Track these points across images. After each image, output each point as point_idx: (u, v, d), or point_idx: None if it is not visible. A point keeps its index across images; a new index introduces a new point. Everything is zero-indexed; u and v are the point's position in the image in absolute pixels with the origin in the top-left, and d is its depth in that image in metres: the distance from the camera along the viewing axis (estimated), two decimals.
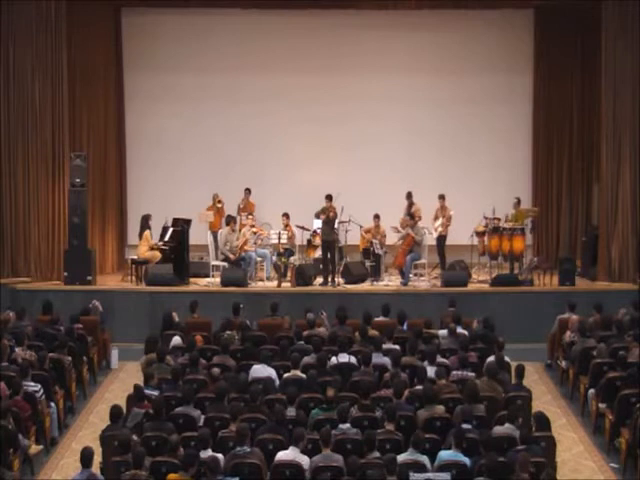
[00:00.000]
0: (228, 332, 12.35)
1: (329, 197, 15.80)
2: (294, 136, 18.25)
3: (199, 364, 10.86)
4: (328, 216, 15.71)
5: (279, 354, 11.46)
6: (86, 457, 8.32)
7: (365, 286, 16.19)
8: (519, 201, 16.82)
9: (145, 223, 16.31)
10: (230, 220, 16.35)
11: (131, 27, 18.20)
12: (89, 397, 12.69)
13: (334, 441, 8.68)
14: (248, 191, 17.81)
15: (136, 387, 10.02)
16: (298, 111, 18.18)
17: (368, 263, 16.54)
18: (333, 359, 11.19)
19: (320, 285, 15.89)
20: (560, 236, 18.25)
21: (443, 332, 12.48)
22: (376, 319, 13.04)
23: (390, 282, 16.27)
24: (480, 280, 16.43)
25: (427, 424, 9.24)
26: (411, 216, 16.27)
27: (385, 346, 11.48)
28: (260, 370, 10.74)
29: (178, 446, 8.44)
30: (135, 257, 16.29)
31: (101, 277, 16.62)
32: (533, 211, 17.24)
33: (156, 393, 10.02)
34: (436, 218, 16.88)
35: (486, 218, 16.41)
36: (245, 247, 16.25)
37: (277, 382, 10.66)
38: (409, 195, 17.05)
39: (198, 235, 16.73)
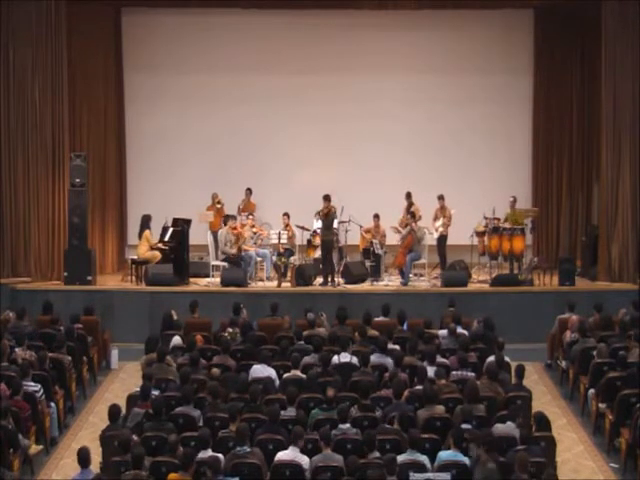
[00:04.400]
0: (229, 330, 12.36)
1: (326, 197, 15.79)
2: (294, 136, 18.25)
3: (199, 364, 10.86)
4: (325, 215, 15.71)
5: (279, 354, 11.47)
6: (83, 457, 8.33)
7: (365, 286, 16.19)
8: (515, 200, 16.81)
9: (145, 223, 16.30)
10: (228, 219, 16.37)
11: (131, 27, 18.20)
12: (89, 397, 12.68)
13: (334, 441, 8.68)
14: (249, 191, 17.82)
15: (143, 387, 9.99)
16: (298, 111, 18.19)
17: (368, 263, 16.55)
18: (335, 358, 11.20)
19: (320, 285, 15.89)
20: (560, 236, 18.24)
21: (443, 332, 12.48)
22: (376, 319, 13.03)
23: (390, 282, 16.26)
24: (480, 280, 16.42)
25: (427, 424, 9.24)
26: (412, 215, 16.28)
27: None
28: (260, 370, 10.74)
29: (177, 446, 8.44)
30: (135, 257, 16.29)
31: (101, 277, 16.61)
32: (533, 211, 17.25)
33: (156, 393, 10.02)
34: (436, 218, 16.88)
35: (486, 218, 16.42)
36: (245, 247, 16.27)
37: (277, 382, 10.67)
38: (408, 195, 17.05)
39: (198, 235, 16.73)
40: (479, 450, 8.27)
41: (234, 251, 16.04)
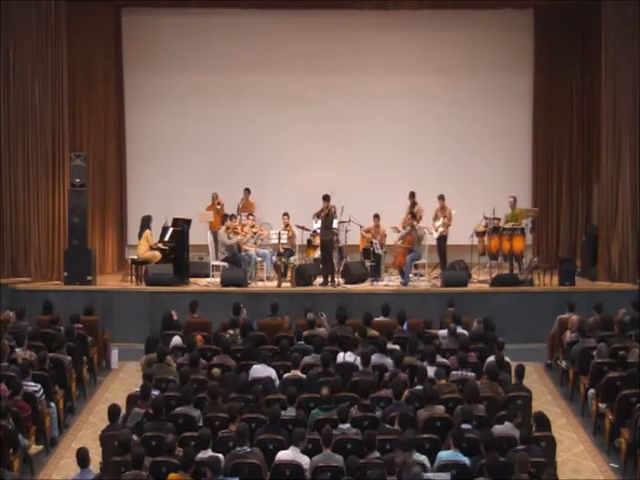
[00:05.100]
0: (230, 332, 12.36)
1: (326, 197, 15.80)
2: (294, 136, 18.26)
3: (199, 364, 10.86)
4: (326, 215, 15.72)
5: (279, 354, 11.47)
6: (82, 457, 8.32)
7: (365, 286, 16.19)
8: (515, 200, 16.80)
9: (146, 224, 16.29)
10: (226, 219, 16.39)
11: (131, 27, 18.21)
12: (89, 397, 12.68)
13: (334, 441, 8.67)
14: (248, 191, 17.83)
15: (143, 387, 9.99)
16: (298, 111, 18.20)
17: (368, 263, 16.55)
18: (340, 355, 11.21)
19: (320, 285, 15.89)
20: (560, 236, 18.25)
21: (443, 332, 12.48)
22: (376, 319, 13.02)
23: (390, 282, 16.26)
24: (480, 280, 16.42)
25: (427, 424, 9.24)
26: (413, 215, 16.27)
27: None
28: (260, 370, 10.74)
29: (174, 446, 8.43)
30: (135, 257, 16.29)
31: (101, 277, 16.61)
32: (533, 211, 17.25)
33: (156, 393, 10.01)
34: (436, 218, 16.87)
35: (486, 218, 16.41)
36: (245, 247, 16.29)
37: (277, 382, 10.67)
38: (412, 195, 16.99)
39: (198, 235, 16.73)
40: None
41: (239, 237, 16.05)
